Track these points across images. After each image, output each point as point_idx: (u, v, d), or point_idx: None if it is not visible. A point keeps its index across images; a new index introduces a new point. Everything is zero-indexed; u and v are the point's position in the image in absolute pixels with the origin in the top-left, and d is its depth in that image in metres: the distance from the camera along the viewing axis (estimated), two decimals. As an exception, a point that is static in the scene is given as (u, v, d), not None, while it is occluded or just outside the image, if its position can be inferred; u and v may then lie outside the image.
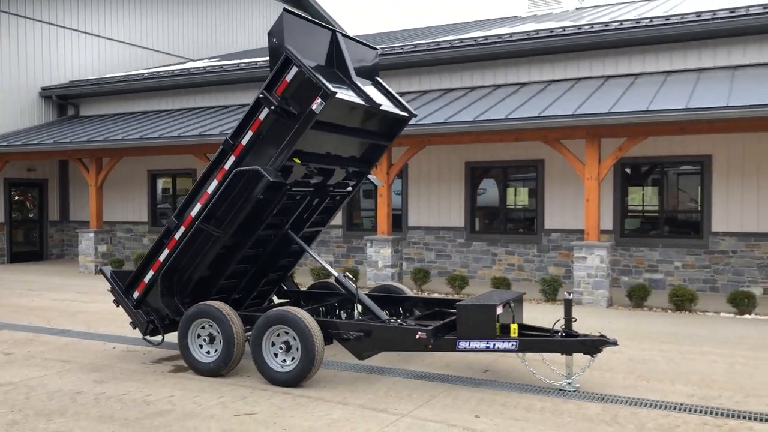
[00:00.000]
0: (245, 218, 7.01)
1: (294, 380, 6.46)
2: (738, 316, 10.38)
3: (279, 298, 8.88)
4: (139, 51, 22.40)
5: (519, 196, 14.89)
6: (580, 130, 11.33)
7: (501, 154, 14.57)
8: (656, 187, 13.53)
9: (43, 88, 19.74)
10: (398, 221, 15.66)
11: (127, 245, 19.48)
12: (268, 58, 17.75)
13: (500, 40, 14.13)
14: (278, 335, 6.62)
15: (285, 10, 6.59)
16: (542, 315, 10.33)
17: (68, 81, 20.19)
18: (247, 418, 5.61)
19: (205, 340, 7.01)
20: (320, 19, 28.78)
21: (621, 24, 13.36)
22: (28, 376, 6.98)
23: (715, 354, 7.85)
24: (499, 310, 6.45)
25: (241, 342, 6.82)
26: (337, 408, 5.88)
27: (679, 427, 5.38)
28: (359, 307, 7.67)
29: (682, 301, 10.73)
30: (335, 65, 7.16)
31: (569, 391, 6.35)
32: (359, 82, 7.16)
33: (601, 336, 6.30)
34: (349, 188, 8.23)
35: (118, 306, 7.77)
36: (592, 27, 13.54)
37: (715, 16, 12.31)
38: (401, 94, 15.22)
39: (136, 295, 7.55)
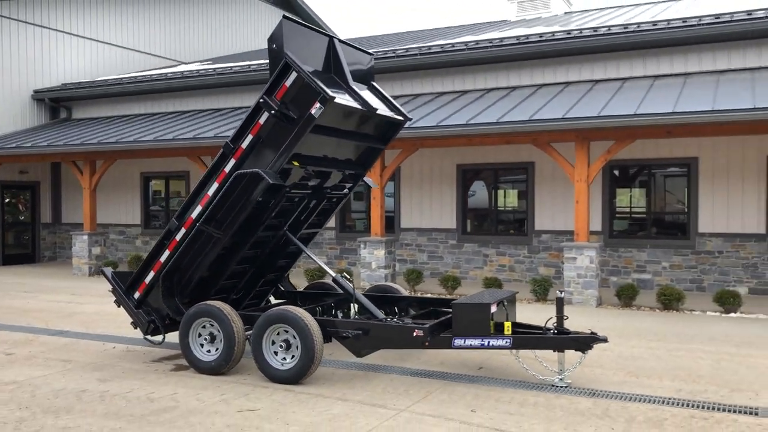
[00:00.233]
0: (245, 220, 7.17)
1: (294, 378, 6.63)
2: (724, 315, 10.64)
3: (276, 298, 9.04)
4: (131, 54, 22.48)
5: (510, 198, 15.12)
6: (570, 133, 11.57)
7: (492, 156, 14.80)
8: (644, 189, 13.80)
9: (36, 91, 19.79)
10: (391, 223, 15.86)
11: (119, 247, 19.55)
12: (260, 61, 17.99)
13: (491, 44, 14.36)
14: (278, 334, 6.78)
15: (284, 17, 6.77)
16: (534, 314, 10.54)
17: (60, 84, 20.25)
18: (251, 414, 5.77)
19: (206, 339, 7.16)
20: (310, 21, 28.95)
21: (609, 29, 13.61)
22: (31, 375, 7.11)
23: (702, 351, 8.09)
24: (493, 309, 6.65)
25: (242, 341, 6.98)
26: (337, 404, 6.05)
27: (668, 420, 5.59)
28: (355, 307, 7.84)
29: (670, 301, 10.98)
30: (332, 70, 7.35)
31: (561, 386, 6.55)
32: (356, 86, 7.36)
33: (592, 333, 6.51)
34: (345, 190, 8.42)
35: (119, 306, 7.91)
36: (581, 32, 13.80)
37: (701, 22, 12.60)
38: (393, 98, 15.41)
39: (137, 295, 7.69)
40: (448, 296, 12.43)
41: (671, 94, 11.79)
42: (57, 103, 20.28)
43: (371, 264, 13.54)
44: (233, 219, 7.06)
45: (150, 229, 19.15)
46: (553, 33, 14.19)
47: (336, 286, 8.62)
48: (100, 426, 5.49)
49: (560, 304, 6.68)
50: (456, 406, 5.96)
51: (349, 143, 7.60)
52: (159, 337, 7.82)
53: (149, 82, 18.48)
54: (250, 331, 7.08)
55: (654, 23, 13.27)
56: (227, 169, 7.06)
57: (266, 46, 27.12)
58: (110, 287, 7.91)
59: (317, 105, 6.51)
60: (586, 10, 20.27)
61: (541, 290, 12.06)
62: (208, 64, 20.82)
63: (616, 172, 13.95)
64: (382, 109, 7.54)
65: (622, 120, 10.80)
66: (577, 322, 9.84)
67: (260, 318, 6.83)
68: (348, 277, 7.99)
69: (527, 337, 6.58)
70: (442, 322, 6.91)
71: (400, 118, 7.83)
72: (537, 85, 14.44)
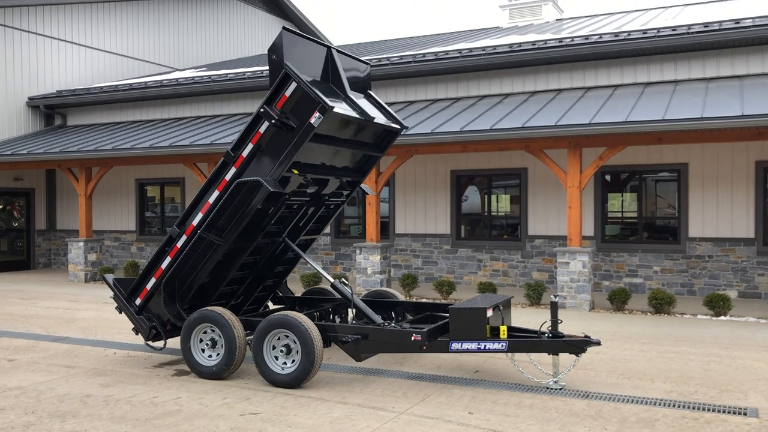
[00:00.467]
0: (245, 227, 7.31)
1: (294, 382, 6.76)
2: (714, 318, 10.84)
3: (274, 303, 9.17)
4: (126, 61, 22.58)
5: (503, 204, 15.31)
6: (562, 140, 11.77)
7: (486, 162, 14.99)
8: (635, 194, 14.02)
9: (31, 98, 19.86)
10: (386, 228, 16.02)
11: (115, 254, 19.61)
12: (255, 68, 18.13)
13: (484, 52, 14.56)
14: (279, 339, 6.92)
15: (284, 28, 6.93)
16: (528, 318, 10.71)
17: (55, 91, 20.32)
18: (253, 417, 5.90)
19: (207, 344, 7.29)
20: (303, 27, 29.13)
21: (600, 37, 13.84)
22: (35, 380, 7.21)
23: (692, 353, 8.28)
24: (489, 313, 6.80)
25: (243, 346, 7.11)
26: (338, 407, 6.19)
27: (659, 421, 5.76)
28: (353, 312, 7.98)
29: (661, 304, 11.18)
30: (330, 80, 7.51)
31: (556, 389, 6.71)
32: (353, 95, 7.52)
33: (586, 337, 6.67)
34: (343, 197, 8.57)
35: (120, 312, 8.02)
36: (573, 40, 14.02)
37: (690, 31, 12.83)
38: (388, 105, 15.60)
39: (138, 301, 7.81)
40: (444, 301, 12.59)
41: (661, 101, 12.01)
42: (52, 110, 20.36)
43: (367, 269, 13.69)
44: (234, 226, 7.19)
45: (145, 235, 19.23)
46: (545, 41, 14.40)
47: (334, 291, 8.76)
48: (107, 429, 5.60)
49: (554, 308, 6.84)
50: (454, 409, 6.11)
51: (346, 151, 7.76)
52: (160, 343, 7.94)
53: (144, 89, 18.59)
54: (251, 336, 7.21)
55: (644, 31, 13.51)
56: (228, 177, 7.20)
57: (261, 52, 27.32)
58: (112, 294, 8.03)
59: (317, 114, 6.66)
60: (577, 17, 20.53)
61: (534, 295, 12.24)
62: (203, 70, 20.94)
63: (608, 178, 14.16)
64: (379, 118, 7.70)
65: (614, 127, 11.01)
66: (570, 325, 10.02)
67: (261, 323, 6.96)
68: (346, 282, 8.13)
69: (522, 340, 6.74)
70: (439, 326, 7.06)
71: (397, 126, 7.99)
72: (529, 92, 14.65)
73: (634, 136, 11.23)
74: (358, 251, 13.84)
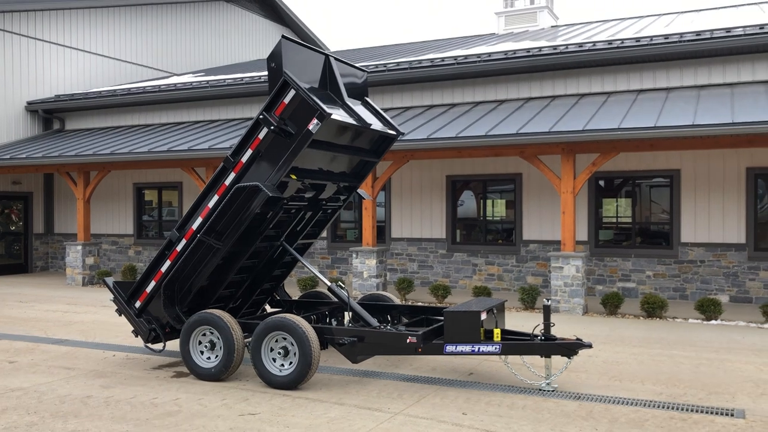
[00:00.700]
0: (244, 231, 7.44)
1: (292, 383, 6.89)
2: (705, 322, 10.99)
3: (272, 306, 9.30)
4: (124, 65, 22.70)
5: (498, 209, 15.47)
6: (556, 146, 11.93)
7: (481, 168, 15.16)
8: (629, 199, 14.19)
9: (29, 102, 19.96)
10: (382, 233, 16.16)
11: (112, 257, 19.71)
12: (252, 74, 18.28)
13: (479, 59, 14.73)
14: (277, 341, 7.05)
15: (283, 37, 7.08)
16: (522, 322, 10.86)
17: (54, 95, 20.43)
18: (252, 418, 6.03)
19: (206, 346, 7.41)
20: (300, 33, 29.30)
21: (594, 45, 14.03)
22: (36, 382, 7.32)
23: (683, 356, 8.43)
24: (483, 316, 6.95)
25: (241, 348, 7.24)
26: (335, 408, 6.32)
27: (648, 421, 5.90)
28: (349, 315, 8.12)
29: (653, 309, 11.33)
30: (328, 87, 7.66)
31: (548, 390, 6.85)
32: (351, 102, 7.68)
33: (578, 339, 6.82)
34: (340, 202, 8.71)
35: (120, 315, 8.13)
36: (567, 47, 14.20)
37: (682, 39, 13.02)
38: (384, 111, 15.76)
39: (138, 304, 7.93)
40: (439, 305, 12.71)
41: (654, 108, 12.19)
42: (50, 114, 20.47)
43: (363, 273, 13.82)
44: (233, 230, 7.32)
45: (142, 239, 19.34)
46: (539, 48, 14.58)
47: (331, 295, 8.89)
48: (108, 429, 5.72)
49: (547, 311, 6.99)
50: (448, 410, 6.24)
51: (344, 157, 7.90)
52: (159, 345, 8.06)
53: (142, 93, 18.72)
54: (249, 339, 7.34)
55: (637, 39, 13.69)
56: (227, 182, 7.33)
57: (258, 58, 27.48)
58: (112, 296, 8.14)
59: (315, 121, 6.81)
60: (572, 24, 20.73)
61: (529, 299, 12.38)
62: (200, 75, 21.08)
63: (602, 183, 14.33)
64: (376, 124, 7.85)
65: (607, 134, 11.17)
66: (563, 329, 10.16)
67: (259, 326, 7.09)
68: (342, 285, 8.26)
69: (516, 343, 6.88)
70: (434, 329, 7.20)
71: (393, 132, 8.14)
72: (524, 99, 14.83)
73: (626, 142, 11.41)
74: (354, 255, 13.97)
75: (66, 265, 17.04)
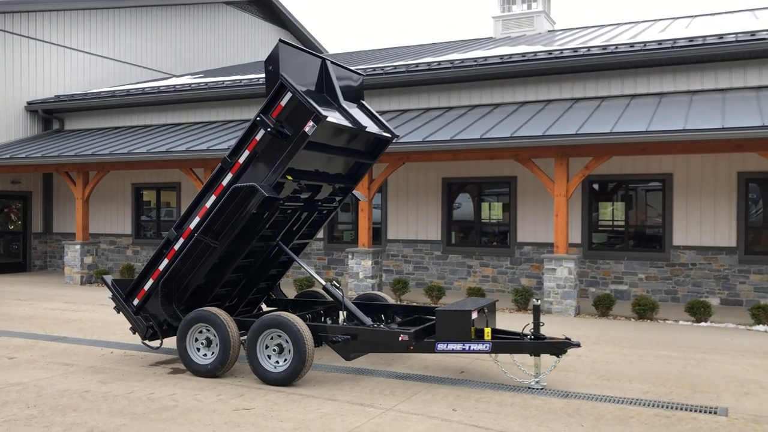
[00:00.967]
0: (240, 231, 7.59)
1: (286, 380, 7.03)
2: (695, 324, 11.16)
3: (268, 305, 9.44)
4: (124, 66, 22.85)
5: (493, 211, 15.63)
6: (550, 150, 12.10)
7: (476, 170, 15.32)
8: (622, 203, 14.36)
9: (29, 103, 20.10)
10: (378, 234, 16.31)
11: (110, 257, 19.83)
12: (250, 76, 18.43)
13: (476, 63, 14.90)
14: (272, 338, 7.19)
15: (281, 41, 7.23)
16: (514, 322, 11.00)
17: (54, 96, 20.57)
18: (246, 412, 6.17)
19: (202, 343, 7.55)
20: (299, 36, 29.47)
21: (589, 50, 14.20)
22: (35, 377, 7.46)
23: (671, 357, 8.59)
24: (474, 315, 7.10)
25: (237, 345, 7.38)
26: (328, 403, 6.46)
27: (633, 418, 6.06)
28: (344, 314, 8.26)
29: (644, 310, 11.50)
30: (324, 90, 7.82)
31: (537, 388, 7.01)
32: (346, 105, 7.84)
33: (566, 339, 6.97)
34: (336, 203, 8.86)
35: (118, 312, 8.28)
36: (562, 52, 14.37)
37: (675, 45, 13.20)
38: (381, 113, 15.93)
39: (136, 302, 8.08)
40: (433, 305, 12.84)
41: (646, 113, 12.36)
42: (50, 114, 20.61)
43: (359, 274, 13.97)
44: (229, 230, 7.48)
45: (140, 239, 19.47)
46: (535, 53, 14.75)
47: (326, 294, 9.04)
48: (106, 422, 5.87)
49: (536, 311, 7.14)
50: (438, 406, 6.39)
51: (339, 158, 8.06)
52: (157, 342, 8.20)
53: (141, 95, 18.87)
54: (245, 336, 7.48)
55: (631, 45, 13.86)
56: (225, 182, 7.48)
57: (256, 60, 27.63)
58: (110, 294, 8.29)
59: (310, 123, 6.97)
60: (568, 29, 20.91)
61: (522, 300, 12.54)
62: (199, 77, 21.23)
63: (595, 187, 14.50)
64: (371, 127, 8.01)
65: (600, 138, 11.34)
66: (555, 330, 10.31)
67: (255, 323, 7.23)
68: (337, 285, 8.41)
69: (506, 342, 7.03)
70: (426, 327, 7.35)
71: (388, 135, 8.30)
72: (519, 103, 14.99)
73: (618, 146, 11.57)
74: (350, 256, 14.12)
75: (64, 264, 17.17)
